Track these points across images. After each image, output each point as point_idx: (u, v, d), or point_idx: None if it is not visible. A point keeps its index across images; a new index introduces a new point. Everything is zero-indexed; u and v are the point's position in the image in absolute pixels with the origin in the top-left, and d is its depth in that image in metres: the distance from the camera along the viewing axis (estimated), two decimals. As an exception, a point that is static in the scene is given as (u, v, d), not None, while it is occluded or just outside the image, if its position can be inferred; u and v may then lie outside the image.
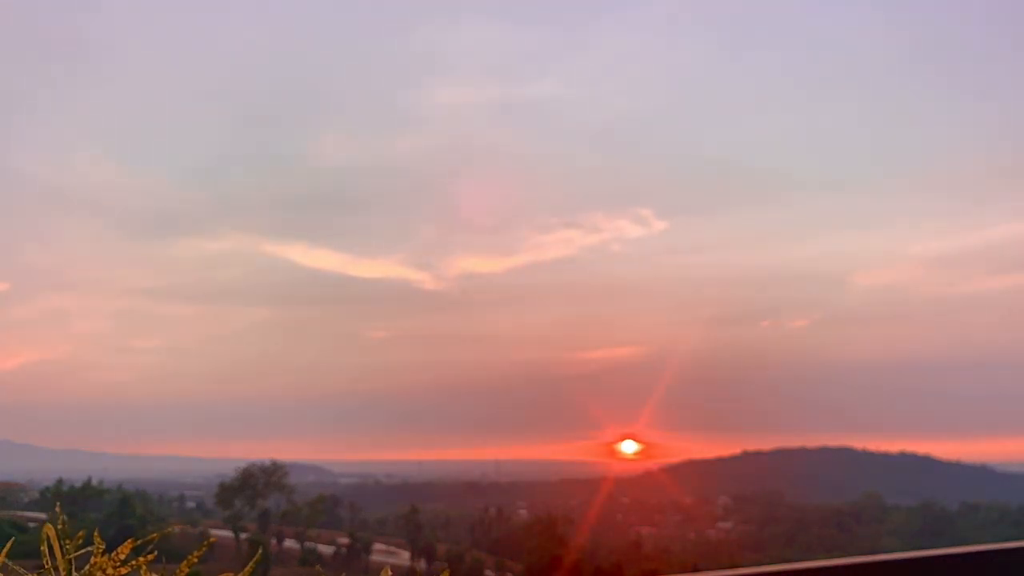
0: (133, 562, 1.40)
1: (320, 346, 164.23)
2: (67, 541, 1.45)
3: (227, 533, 59.26)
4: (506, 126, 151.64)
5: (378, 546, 61.76)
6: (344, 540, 61.43)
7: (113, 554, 1.39)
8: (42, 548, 1.43)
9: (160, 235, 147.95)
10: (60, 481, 64.89)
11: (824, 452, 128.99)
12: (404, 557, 59.72)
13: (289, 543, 60.84)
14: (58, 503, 1.53)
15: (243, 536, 59.19)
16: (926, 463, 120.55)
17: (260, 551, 1.57)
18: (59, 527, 1.45)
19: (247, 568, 1.37)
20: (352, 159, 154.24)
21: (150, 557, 1.40)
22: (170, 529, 1.49)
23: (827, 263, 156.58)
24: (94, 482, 64.12)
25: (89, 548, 1.43)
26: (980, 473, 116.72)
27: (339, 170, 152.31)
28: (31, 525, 51.77)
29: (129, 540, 1.38)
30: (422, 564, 56.88)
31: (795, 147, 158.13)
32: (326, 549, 59.94)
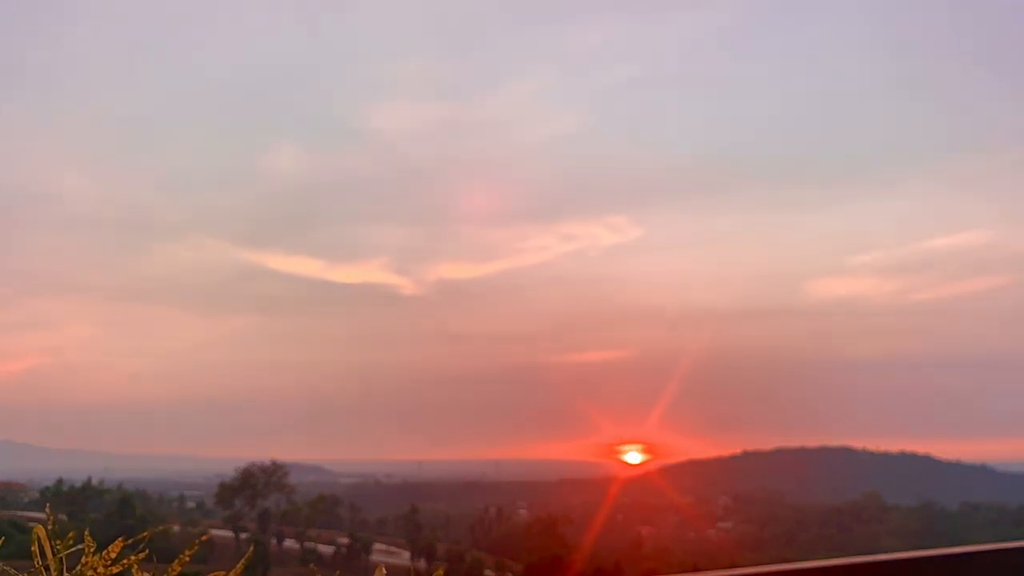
0: (124, 561, 1.39)
1: (311, 349, 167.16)
2: (58, 541, 1.43)
3: (227, 533, 59.27)
4: (474, 141, 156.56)
5: (378, 546, 61.74)
6: (344, 540, 61.41)
7: (104, 553, 1.37)
8: (33, 548, 1.42)
9: (136, 243, 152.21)
10: (60, 481, 64.88)
11: (824, 452, 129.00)
12: (404, 557, 59.71)
13: (289, 543, 60.82)
14: (47, 504, 1.52)
15: (243, 536, 59.17)
16: (926, 463, 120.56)
17: (252, 549, 1.56)
18: (49, 527, 1.44)
19: (238, 566, 1.36)
20: (320, 172, 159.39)
21: (141, 556, 1.38)
22: (163, 528, 1.46)
23: (800, 265, 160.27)
24: (94, 482, 64.13)
25: (80, 546, 1.41)
26: (980, 473, 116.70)
27: (307, 182, 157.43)
28: (31, 525, 51.69)
29: (120, 539, 1.37)
30: (422, 564, 56.85)
31: (758, 152, 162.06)
32: (326, 549, 59.92)
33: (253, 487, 64.26)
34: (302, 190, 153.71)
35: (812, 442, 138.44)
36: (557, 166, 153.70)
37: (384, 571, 1.41)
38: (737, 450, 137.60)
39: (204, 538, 1.53)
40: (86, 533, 1.42)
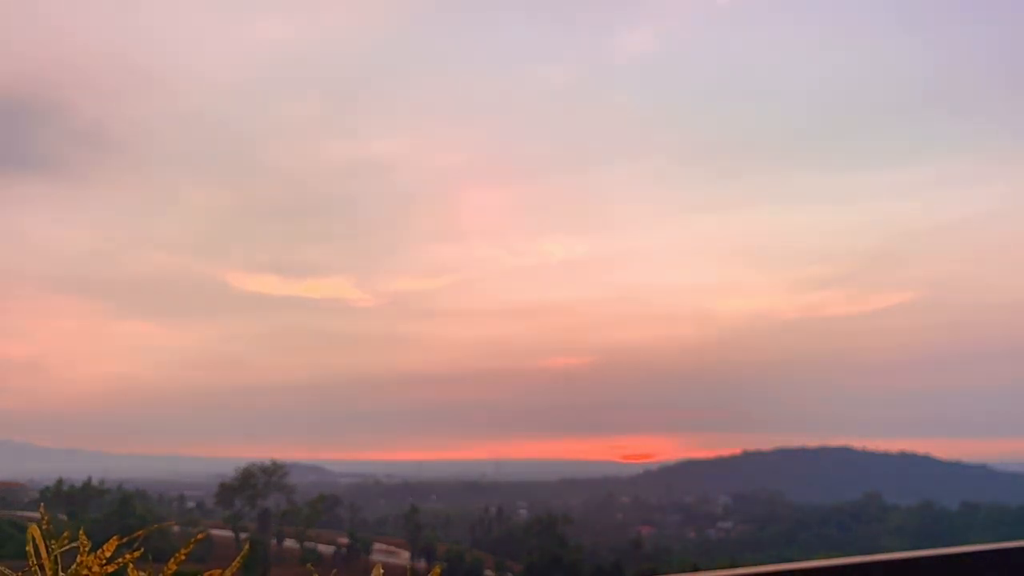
0: (119, 560, 1.38)
1: (301, 352, 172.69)
2: (53, 541, 1.42)
3: (227, 533, 59.24)
4: (385, 173, 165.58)
5: (378, 546, 61.71)
6: (344, 540, 61.38)
7: (98, 552, 1.37)
8: (27, 548, 1.41)
9: (107, 260, 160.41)
10: (60, 481, 64.83)
11: (824, 452, 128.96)
12: (404, 557, 59.68)
13: (289, 543, 60.79)
14: (42, 504, 1.51)
15: (243, 536, 59.14)
16: (926, 463, 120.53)
17: (247, 547, 1.55)
18: (44, 527, 1.43)
19: (234, 563, 1.35)
20: (243, 201, 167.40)
21: (136, 554, 1.37)
22: (158, 526, 1.43)
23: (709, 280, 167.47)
24: (94, 482, 64.08)
25: (75, 544, 1.40)
26: (980, 473, 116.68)
27: (231, 212, 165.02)
28: (29, 525, 51.63)
29: (114, 537, 1.36)
30: (422, 564, 56.82)
31: (666, 169, 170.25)
32: (326, 549, 59.88)
33: (253, 487, 64.20)
34: (237, 217, 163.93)
35: (812, 442, 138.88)
36: (492, 189, 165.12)
37: (381, 570, 1.41)
38: (737, 450, 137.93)
39: (201, 536, 1.52)
40: (81, 532, 1.41)
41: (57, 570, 1.41)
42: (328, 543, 61.40)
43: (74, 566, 1.42)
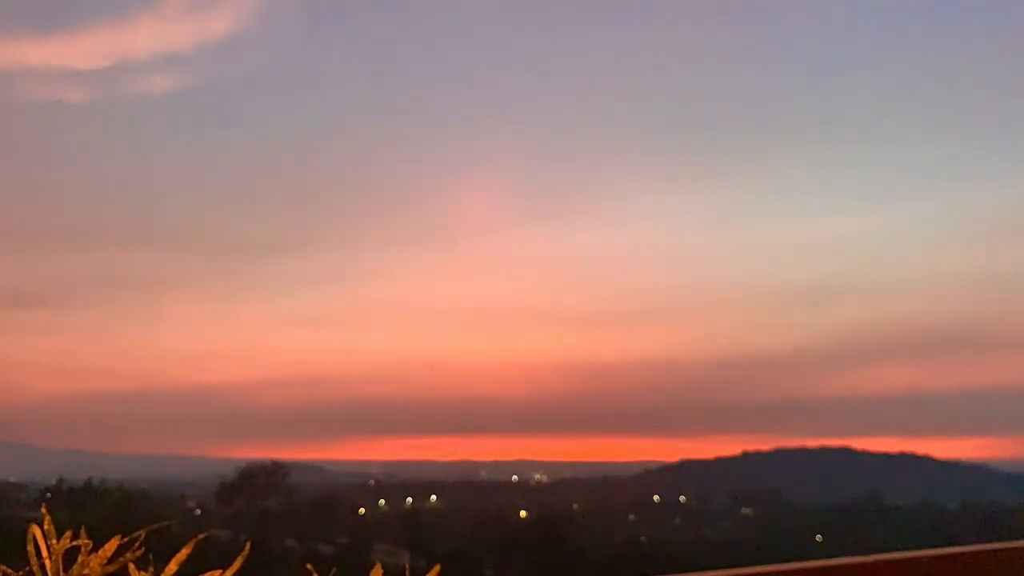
0: (120, 559, 1.38)
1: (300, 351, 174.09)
2: (54, 541, 1.43)
3: (227, 533, 59.30)
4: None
5: (378, 546, 61.77)
6: (344, 540, 61.45)
7: (100, 552, 1.37)
8: (28, 548, 1.42)
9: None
10: (60, 481, 64.87)
11: (824, 452, 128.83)
12: (404, 557, 59.74)
13: (289, 543, 60.81)
14: (43, 503, 1.52)
15: (243, 536, 59.22)
16: (926, 463, 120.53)
17: (248, 547, 1.56)
18: (46, 527, 1.43)
19: (235, 563, 1.35)
20: None
21: (137, 554, 1.38)
22: (158, 526, 1.43)
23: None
24: (94, 482, 64.10)
25: (76, 543, 1.41)
26: (980, 473, 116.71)
27: None
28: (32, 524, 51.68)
29: (115, 537, 1.36)
30: (422, 564, 56.81)
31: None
32: (326, 549, 59.93)
33: (253, 487, 64.26)
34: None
35: (812, 442, 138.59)
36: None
37: (381, 571, 1.41)
38: (737, 450, 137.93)
39: (202, 535, 1.53)
40: (83, 532, 1.41)
41: (59, 570, 1.42)
42: (328, 543, 61.44)
43: (75, 566, 1.42)
